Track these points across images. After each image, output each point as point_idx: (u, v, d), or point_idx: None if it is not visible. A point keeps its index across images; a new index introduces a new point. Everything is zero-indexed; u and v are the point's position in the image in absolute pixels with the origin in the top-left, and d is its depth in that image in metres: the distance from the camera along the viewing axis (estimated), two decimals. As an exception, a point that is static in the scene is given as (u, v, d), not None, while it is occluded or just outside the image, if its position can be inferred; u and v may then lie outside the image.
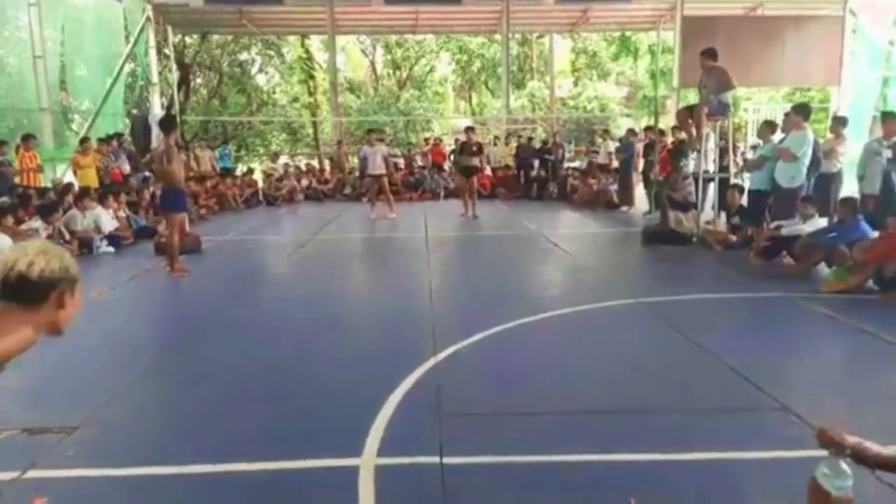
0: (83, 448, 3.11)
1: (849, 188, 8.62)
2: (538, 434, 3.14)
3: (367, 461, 2.90)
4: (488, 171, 17.18)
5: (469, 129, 13.39)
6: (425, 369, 4.02)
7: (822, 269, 6.70)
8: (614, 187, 13.71)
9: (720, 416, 3.38)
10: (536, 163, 16.56)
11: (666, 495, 2.55)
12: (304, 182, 16.53)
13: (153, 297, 6.62)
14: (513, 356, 4.31)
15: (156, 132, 15.79)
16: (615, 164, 14.52)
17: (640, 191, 13.59)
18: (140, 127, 15.50)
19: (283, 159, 20.10)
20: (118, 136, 13.34)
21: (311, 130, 28.03)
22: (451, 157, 16.12)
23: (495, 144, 18.07)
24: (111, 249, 8.96)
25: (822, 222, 7.11)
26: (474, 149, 12.74)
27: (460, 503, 2.55)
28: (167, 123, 7.49)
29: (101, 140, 12.53)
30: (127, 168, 12.51)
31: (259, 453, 2.98)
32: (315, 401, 3.61)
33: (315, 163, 20.57)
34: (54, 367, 4.22)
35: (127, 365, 4.33)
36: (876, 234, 6.35)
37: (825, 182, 8.53)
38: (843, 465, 1.71)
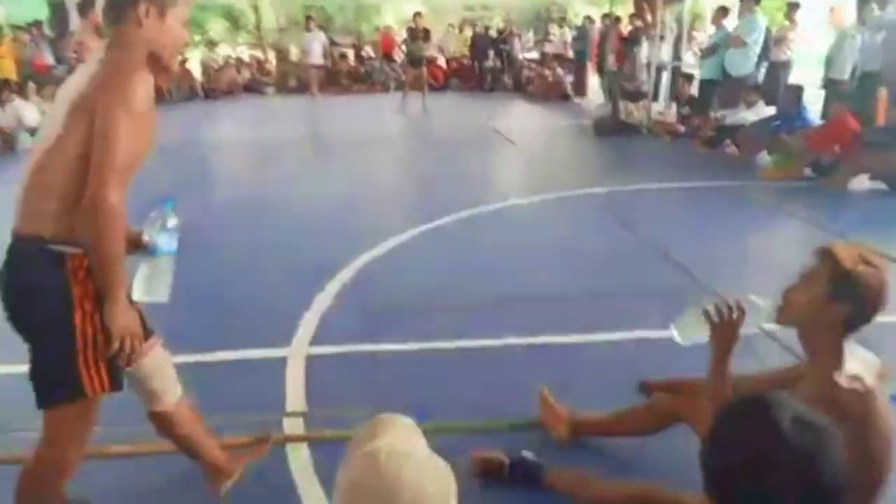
0: None
1: (797, 76, 8.59)
2: (472, 321, 3.16)
3: (297, 351, 2.88)
4: (442, 62, 16.58)
5: (417, 15, 12.71)
6: (363, 262, 3.98)
7: (765, 156, 6.78)
8: (570, 78, 13.42)
9: (650, 299, 3.45)
10: (491, 53, 16.02)
11: (586, 373, 2.62)
12: (247, 74, 15.69)
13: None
14: (453, 248, 4.29)
15: (75, 17, 14.62)
16: (571, 54, 14.14)
17: (595, 82, 13.34)
18: (58, 12, 14.23)
19: (222, 49, 18.92)
20: (37, 23, 12.26)
21: (252, 17, 26.28)
22: (404, 47, 15.44)
23: (449, 33, 17.34)
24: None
25: (769, 111, 7.11)
26: (422, 36, 12.14)
27: (391, 388, 2.58)
28: (82, 4, 6.81)
29: (18, 28, 11.50)
30: (50, 58, 11.60)
31: (179, 348, 2.92)
32: (243, 298, 3.53)
33: (259, 53, 19.46)
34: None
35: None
36: (819, 122, 6.41)
37: (775, 70, 8.47)
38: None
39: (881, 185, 5.71)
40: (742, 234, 4.77)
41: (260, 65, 16.68)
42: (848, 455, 0.99)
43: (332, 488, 1.92)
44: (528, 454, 2.03)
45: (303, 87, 15.04)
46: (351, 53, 16.85)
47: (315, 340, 2.98)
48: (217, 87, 14.75)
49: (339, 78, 15.75)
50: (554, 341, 2.95)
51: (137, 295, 1.68)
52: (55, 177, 1.47)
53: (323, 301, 3.40)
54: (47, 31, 12.30)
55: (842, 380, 1.49)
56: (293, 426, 2.36)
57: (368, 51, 17.42)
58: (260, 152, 8.47)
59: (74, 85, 1.54)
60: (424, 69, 12.38)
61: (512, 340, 2.94)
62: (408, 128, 10.62)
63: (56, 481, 1.64)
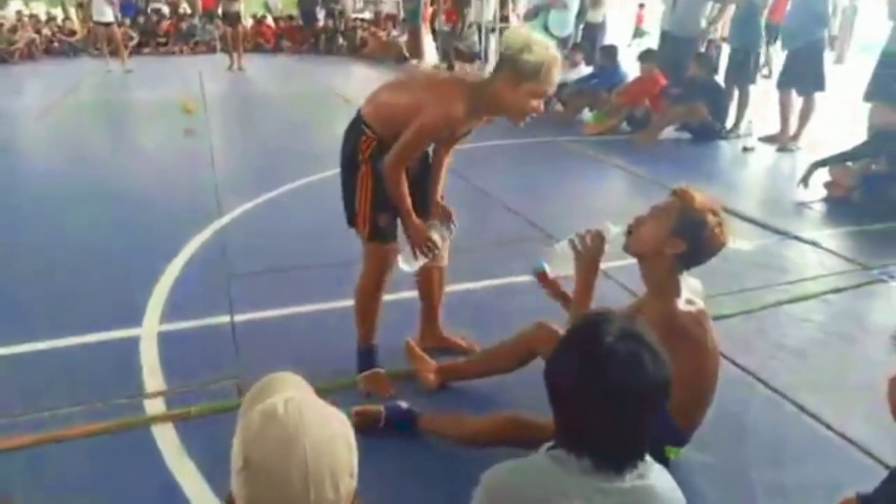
0: None
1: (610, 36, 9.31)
2: (319, 284, 3.17)
3: (149, 329, 2.75)
4: (270, 22, 15.84)
5: None
6: (209, 233, 3.82)
7: (586, 113, 7.35)
8: (404, 39, 13.44)
9: (495, 248, 3.70)
10: (322, 13, 15.57)
11: (451, 322, 2.77)
12: (46, 33, 13.94)
13: None
14: (299, 214, 4.23)
15: None
16: (403, 14, 14.14)
17: (430, 43, 13.48)
18: None
19: (14, 5, 16.60)
20: None
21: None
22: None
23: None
24: None
25: (587, 70, 7.68)
26: None
27: (251, 356, 2.55)
28: None
29: None
30: None
31: (22, 335, 2.68)
32: (84, 277, 3.28)
33: (58, 11, 17.31)
34: None
35: None
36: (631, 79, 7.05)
37: (591, 31, 9.13)
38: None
39: (686, 135, 6.46)
40: (569, 183, 5.20)
41: (60, 24, 14.88)
42: (682, 371, 1.12)
43: (204, 464, 1.95)
44: (401, 403, 2.14)
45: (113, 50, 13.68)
46: (167, 10, 15.55)
47: (166, 317, 2.85)
48: (13, 50, 12.97)
49: (155, 38, 14.51)
50: (408, 296, 3.07)
51: (400, 262, 2.28)
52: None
53: (171, 276, 3.24)
54: None
55: (679, 305, 1.71)
56: (154, 407, 2.27)
57: (186, 8, 16.19)
58: (63, 122, 7.66)
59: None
60: (239, 26, 11.84)
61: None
62: (237, 90, 10.10)
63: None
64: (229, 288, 3.14)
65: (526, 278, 3.27)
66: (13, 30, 13.45)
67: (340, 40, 15.22)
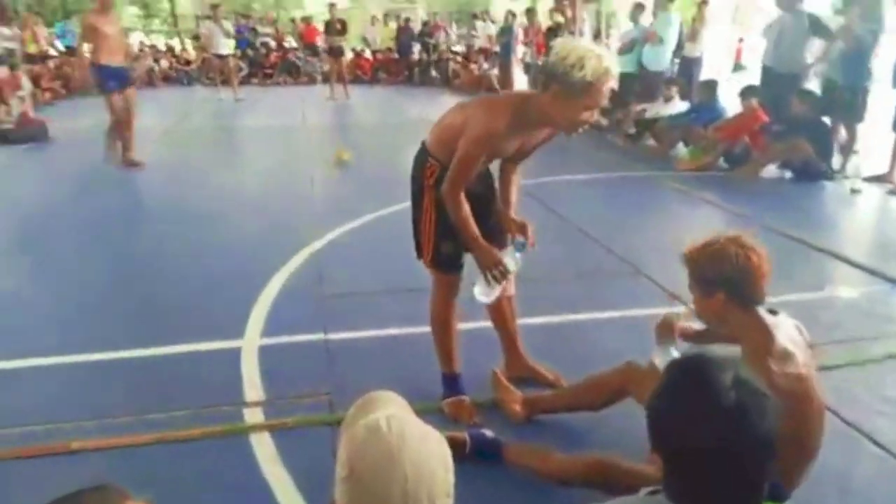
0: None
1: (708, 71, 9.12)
2: (412, 308, 3.24)
3: (250, 342, 2.91)
4: (367, 55, 16.50)
5: (331, 6, 12.73)
6: (307, 254, 4.01)
7: (681, 148, 7.20)
8: (495, 72, 13.66)
9: (584, 282, 3.68)
10: (417, 46, 16.08)
11: (534, 355, 2.78)
12: (164, 63, 15.10)
13: (10, 184, 5.98)
14: (391, 239, 4.35)
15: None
16: (496, 47, 14.39)
17: (521, 75, 13.64)
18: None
19: (136, 37, 18.11)
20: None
21: (167, 4, 25.26)
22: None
23: (374, 24, 17.26)
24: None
25: (683, 104, 7.54)
26: (338, 27, 12.26)
27: (343, 374, 2.65)
28: None
29: None
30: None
31: (135, 342, 2.90)
32: (192, 291, 3.51)
33: (175, 42, 18.75)
34: None
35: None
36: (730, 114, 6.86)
37: (688, 65, 8.96)
38: (673, 351, 1.99)
39: (788, 174, 6.20)
40: (660, 218, 5.11)
41: (176, 54, 16.09)
42: (785, 427, 1.03)
43: (297, 473, 2.03)
44: (487, 432, 2.16)
45: (225, 79, 14.65)
46: (274, 44, 16.51)
47: (266, 332, 3.01)
48: (134, 77, 14.12)
49: (262, 69, 15.42)
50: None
51: (475, 292, 2.25)
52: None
53: (270, 293, 3.42)
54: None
55: (774, 365, 1.58)
56: (254, 416, 2.40)
57: (291, 41, 17.13)
58: (177, 145, 8.24)
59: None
60: (342, 59, 12.56)
61: (460, 325, 3.05)
62: (336, 120, 10.58)
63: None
64: (324, 307, 3.28)
65: (612, 313, 3.25)
66: (135, 59, 14.65)
67: (434, 72, 15.64)
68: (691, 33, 9.04)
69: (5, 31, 10.94)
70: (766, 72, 6.94)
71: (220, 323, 3.09)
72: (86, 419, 2.32)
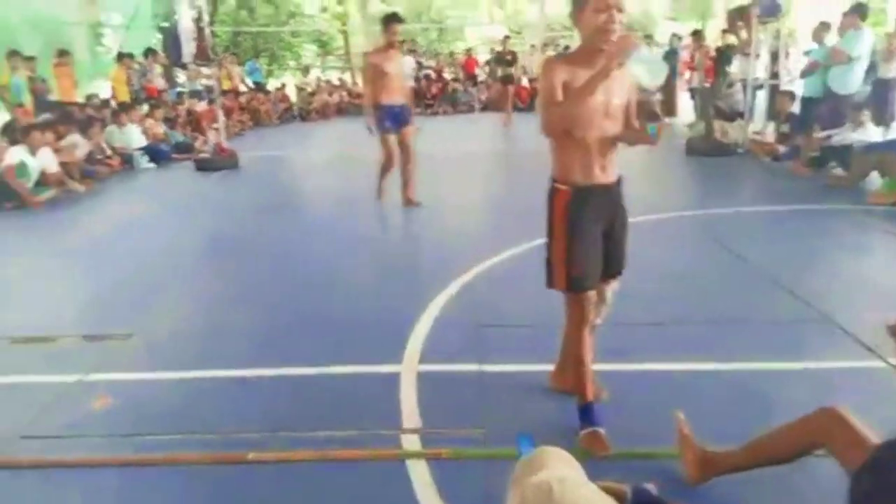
0: (139, 353, 3.27)
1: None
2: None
3: (409, 368, 2.98)
4: (525, 83, 16.66)
5: (506, 38, 13.37)
6: (462, 283, 4.05)
7: (873, 181, 6.43)
8: (657, 97, 13.15)
9: (763, 328, 3.36)
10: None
11: (704, 405, 2.57)
12: (336, 97, 16.28)
13: (198, 213, 6.71)
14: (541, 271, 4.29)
15: (186, 45, 15.58)
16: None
17: (686, 100, 13.05)
18: (170, 40, 15.28)
19: (314, 73, 19.74)
20: (152, 51, 13.21)
21: (341, 42, 27.34)
22: (487, 68, 15.70)
23: (532, 54, 17.40)
24: (152, 165, 9.08)
25: (877, 131, 6.75)
26: (509, 58, 12.79)
27: (498, 407, 2.62)
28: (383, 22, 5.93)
29: (126, 56, 12.37)
30: (161, 83, 12.46)
31: (300, 360, 3.09)
32: (353, 315, 3.66)
33: (347, 76, 20.18)
34: (107, 279, 4.41)
35: (177, 278, 4.48)
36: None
37: (883, 87, 8.05)
38: None
39: None
40: (853, 259, 4.55)
41: (349, 87, 17.29)
42: None
43: None
44: (650, 487, 2.01)
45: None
46: (433, 75, 17.20)
47: (424, 359, 3.07)
48: (311, 110, 15.41)
49: (424, 100, 16.11)
50: (668, 368, 2.92)
51: (644, 81, 2.29)
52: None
53: (427, 320, 3.49)
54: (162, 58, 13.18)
55: None
56: (411, 443, 2.44)
57: (451, 72, 17.74)
58: (339, 171, 8.77)
59: None
60: (511, 87, 13.02)
61: (620, 366, 2.92)
62: (509, 145, 10.87)
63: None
64: (479, 337, 3.28)
65: (796, 365, 2.93)
66: (312, 93, 15.96)
67: (591, 98, 15.46)
68: (887, 52, 8.13)
69: (206, 70, 12.41)
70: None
71: (380, 347, 3.19)
72: (258, 431, 2.49)
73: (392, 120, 5.83)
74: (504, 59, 12.81)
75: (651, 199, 6.45)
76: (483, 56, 19.46)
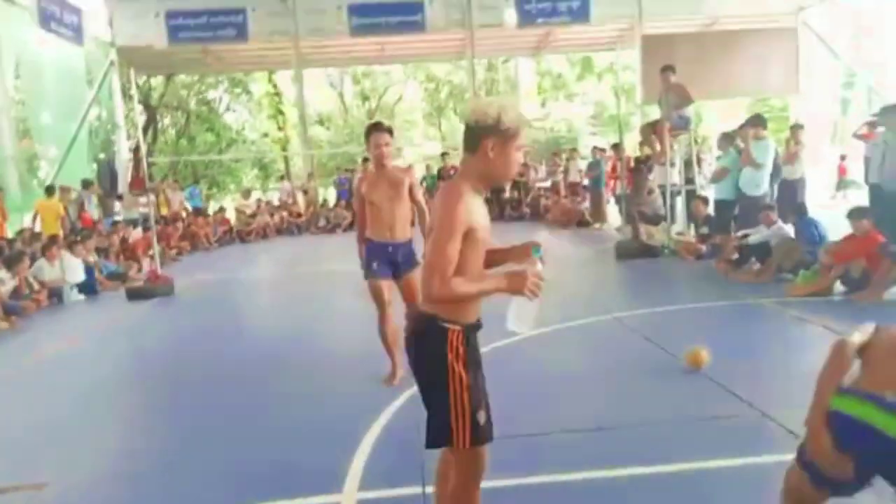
0: (54, 504, 3.02)
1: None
2: (518, 456, 3.11)
3: (349, 496, 2.86)
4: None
5: (444, 155, 13.86)
6: (403, 399, 3.99)
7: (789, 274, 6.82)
8: (586, 205, 13.89)
9: (700, 426, 3.40)
10: (508, 185, 16.71)
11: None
12: (277, 217, 16.44)
13: (125, 347, 6.45)
14: (488, 379, 4.29)
15: (122, 175, 15.69)
16: (585, 182, 14.74)
17: (612, 207, 13.78)
18: (106, 171, 15.37)
19: (255, 195, 19.99)
20: (89, 182, 13.21)
21: (282, 165, 28.02)
22: (424, 184, 16.25)
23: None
24: (82, 297, 8.80)
25: (787, 228, 7.26)
26: (451, 173, 13.25)
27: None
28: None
29: (62, 188, 12.31)
30: (96, 214, 12.37)
31: (235, 497, 2.92)
32: (291, 441, 3.55)
33: (287, 197, 20.51)
34: (23, 424, 4.13)
35: (97, 417, 4.25)
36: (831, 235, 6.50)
37: (790, 188, 8.73)
38: None
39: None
40: (773, 349, 4.73)
41: (289, 208, 17.53)
42: None
43: None
44: None
45: (331, 227, 15.76)
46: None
47: (364, 485, 2.95)
48: (250, 231, 15.46)
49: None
50: (611, 475, 2.89)
51: (509, 324, 2.14)
52: None
53: (366, 445, 3.39)
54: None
55: None
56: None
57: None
58: (290, 289, 8.71)
59: None
60: None
61: (566, 476, 2.88)
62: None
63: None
64: (423, 457, 3.19)
65: (734, 461, 2.96)
66: (253, 215, 16.09)
67: (525, 208, 16.08)
68: (788, 156, 8.90)
69: (142, 199, 12.43)
70: (875, 190, 6.64)
71: (319, 475, 3.06)
72: None
73: (381, 261, 4.31)
74: (447, 174, 13.30)
75: (584, 301, 6.63)
76: (420, 172, 20.23)
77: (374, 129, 4.26)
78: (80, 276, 8.98)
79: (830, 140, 16.56)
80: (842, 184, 15.26)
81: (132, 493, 3.10)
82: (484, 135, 2.00)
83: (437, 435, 2.07)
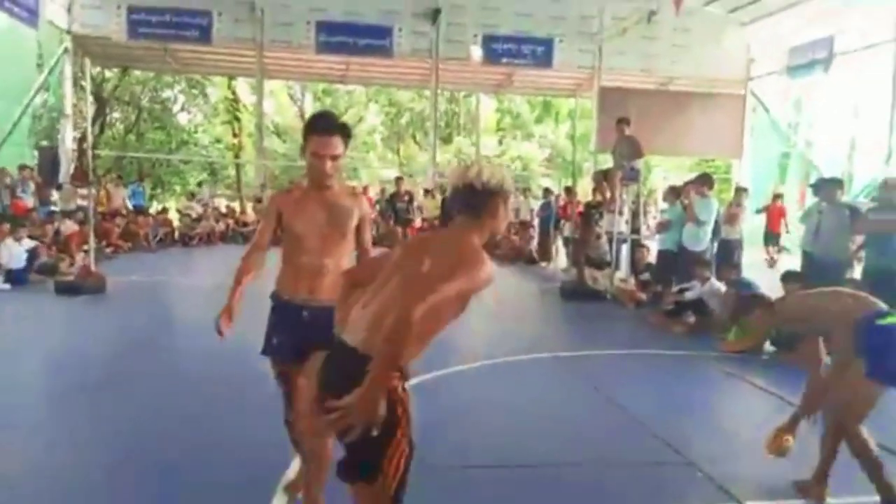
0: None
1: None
2: (444, 491, 3.07)
3: (274, 517, 2.76)
4: (418, 223, 17.30)
5: (399, 179, 13.81)
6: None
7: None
8: (534, 243, 14.12)
9: (629, 471, 3.45)
10: (460, 217, 16.88)
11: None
12: (223, 224, 16.06)
13: (46, 344, 6.09)
14: (418, 412, 4.26)
15: (65, 165, 15.09)
16: (535, 221, 15.00)
17: (560, 247, 14.04)
18: (48, 159, 14.75)
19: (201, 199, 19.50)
20: (25, 167, 12.62)
21: (233, 172, 27.48)
22: (378, 206, 16.20)
23: (425, 197, 18.26)
24: (7, 287, 8.34)
25: (719, 286, 7.53)
26: (406, 198, 13.16)
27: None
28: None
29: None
30: (32, 201, 11.81)
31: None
32: (223, 466, 3.40)
33: (236, 205, 20.10)
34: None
35: (11, 421, 3.98)
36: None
37: (729, 247, 9.10)
38: None
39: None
40: (710, 404, 4.88)
41: (236, 216, 17.17)
42: None
43: None
44: None
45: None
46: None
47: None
48: (194, 235, 15.04)
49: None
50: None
51: None
52: None
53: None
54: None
55: None
56: None
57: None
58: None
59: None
60: (408, 228, 13.43)
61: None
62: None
63: None
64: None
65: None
66: (198, 219, 15.67)
67: (475, 242, 16.27)
68: (728, 216, 9.30)
69: (82, 191, 11.97)
70: (808, 258, 6.98)
71: (247, 483, 2.95)
72: None
73: (287, 333, 2.89)
74: (400, 198, 13.29)
75: (524, 338, 6.70)
76: (375, 195, 20.18)
77: (319, 124, 2.71)
78: (22, 263, 8.55)
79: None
80: (769, 238, 15.08)
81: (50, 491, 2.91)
82: (494, 196, 2.07)
83: (365, 471, 1.94)
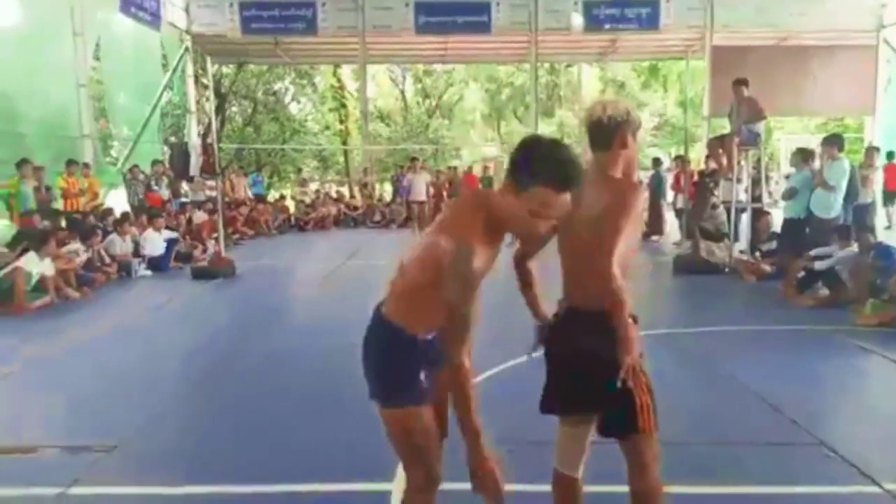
0: (122, 466, 3.19)
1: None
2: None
3: (399, 485, 2.91)
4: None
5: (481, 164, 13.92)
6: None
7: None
8: (644, 216, 13.66)
9: (753, 450, 3.33)
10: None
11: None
12: (334, 209, 16.76)
13: (189, 322, 6.74)
14: (533, 389, 4.29)
15: (194, 159, 16.29)
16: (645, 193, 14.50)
17: (672, 219, 13.50)
18: (179, 154, 15.99)
19: (313, 186, 20.43)
20: (159, 162, 13.78)
21: (341, 158, 28.50)
22: (481, 185, 16.28)
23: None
24: (149, 273, 9.18)
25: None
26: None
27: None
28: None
29: (133, 167, 12.87)
30: (166, 194, 12.88)
31: (290, 477, 3.02)
32: (345, 429, 3.63)
33: (345, 190, 20.88)
34: (92, 388, 4.36)
35: (163, 388, 4.44)
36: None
37: (861, 213, 8.41)
38: None
39: None
40: (844, 384, 4.57)
41: (346, 200, 17.86)
42: None
43: None
44: None
45: (386, 222, 15.98)
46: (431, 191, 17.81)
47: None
48: (309, 220, 15.82)
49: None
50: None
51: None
52: None
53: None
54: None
55: None
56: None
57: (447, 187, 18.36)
58: (342, 283, 8.89)
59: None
60: None
61: (611, 487, 2.86)
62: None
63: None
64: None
65: (790, 489, 2.89)
66: (312, 205, 16.44)
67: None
68: (863, 180, 8.57)
69: (210, 183, 12.89)
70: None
71: (368, 463, 3.14)
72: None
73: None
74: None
75: (640, 315, 6.53)
76: (478, 173, 20.25)
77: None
78: (161, 251, 9.41)
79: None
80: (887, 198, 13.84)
81: (197, 459, 3.24)
82: (621, 126, 2.15)
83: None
